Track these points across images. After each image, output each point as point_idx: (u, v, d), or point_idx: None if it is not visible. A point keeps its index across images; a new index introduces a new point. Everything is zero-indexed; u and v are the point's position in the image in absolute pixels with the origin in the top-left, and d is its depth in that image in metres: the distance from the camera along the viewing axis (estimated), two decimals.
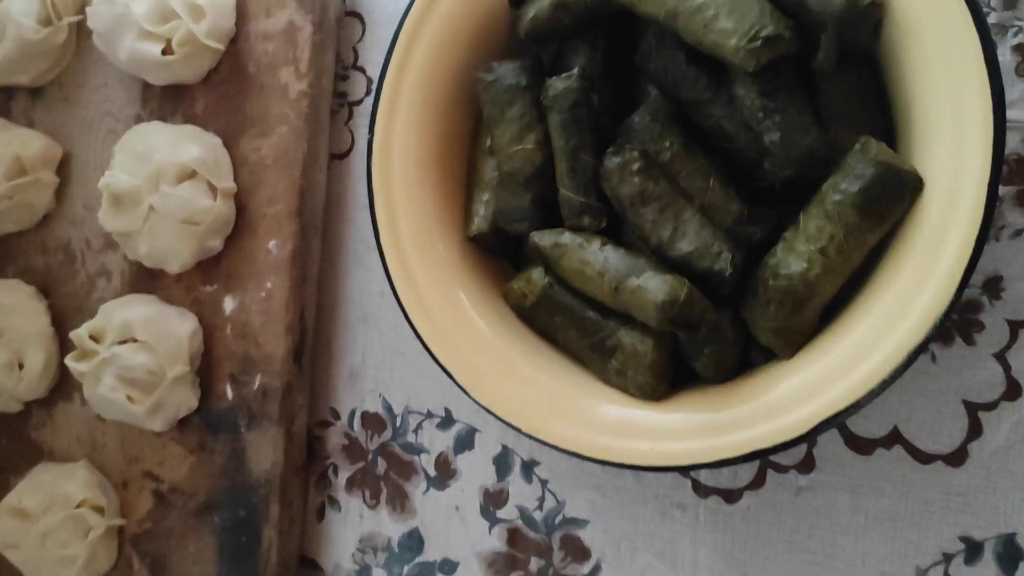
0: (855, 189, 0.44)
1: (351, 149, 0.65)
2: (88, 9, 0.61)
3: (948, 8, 0.42)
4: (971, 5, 0.42)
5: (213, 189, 0.61)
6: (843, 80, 0.47)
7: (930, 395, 0.51)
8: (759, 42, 0.43)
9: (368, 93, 0.64)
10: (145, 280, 0.65)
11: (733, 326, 0.48)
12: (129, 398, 0.61)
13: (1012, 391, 0.49)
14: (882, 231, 0.45)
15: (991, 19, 0.50)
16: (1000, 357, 0.50)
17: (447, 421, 0.62)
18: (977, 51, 0.41)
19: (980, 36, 0.41)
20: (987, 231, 0.42)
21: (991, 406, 0.50)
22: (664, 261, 0.48)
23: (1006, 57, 0.50)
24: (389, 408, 0.64)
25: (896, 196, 0.44)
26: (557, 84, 0.50)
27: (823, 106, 0.47)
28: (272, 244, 0.61)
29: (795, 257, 0.46)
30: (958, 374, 0.50)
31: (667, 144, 0.49)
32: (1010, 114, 0.49)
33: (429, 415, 0.63)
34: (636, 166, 0.48)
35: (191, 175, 0.60)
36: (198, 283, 0.64)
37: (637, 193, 0.48)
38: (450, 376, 0.51)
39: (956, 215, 0.42)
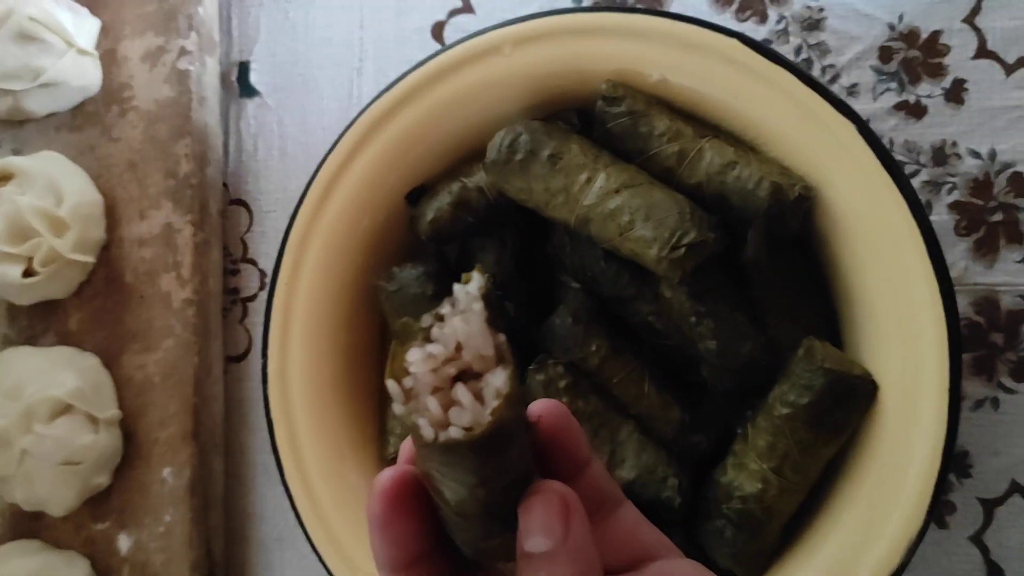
0: (804, 402, 0.39)
1: (248, 350, 0.58)
2: None
3: (881, 196, 0.39)
4: (906, 194, 0.38)
5: (94, 420, 0.54)
6: (776, 269, 0.43)
7: None
8: (682, 250, 0.39)
9: (262, 287, 0.58)
10: (27, 521, 0.57)
11: (686, 549, 0.43)
12: None
13: None
14: (839, 443, 0.40)
15: (923, 176, 0.47)
16: (976, 540, 0.46)
17: None
18: (918, 243, 0.38)
19: (920, 227, 0.38)
20: (954, 440, 0.38)
21: None
22: None
23: (943, 216, 0.46)
24: None
25: (850, 405, 0.39)
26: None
27: (757, 299, 0.43)
28: (167, 472, 0.54)
29: (747, 477, 0.41)
30: (935, 563, 0.46)
31: (593, 348, 0.44)
32: (954, 274, 0.46)
33: None
34: (562, 383, 0.43)
35: (67, 408, 0.53)
36: (87, 521, 0.56)
37: None
38: None
39: (918, 425, 0.38)
